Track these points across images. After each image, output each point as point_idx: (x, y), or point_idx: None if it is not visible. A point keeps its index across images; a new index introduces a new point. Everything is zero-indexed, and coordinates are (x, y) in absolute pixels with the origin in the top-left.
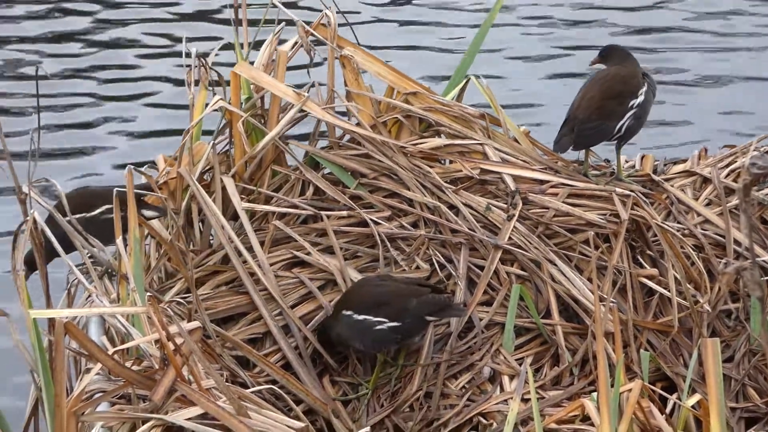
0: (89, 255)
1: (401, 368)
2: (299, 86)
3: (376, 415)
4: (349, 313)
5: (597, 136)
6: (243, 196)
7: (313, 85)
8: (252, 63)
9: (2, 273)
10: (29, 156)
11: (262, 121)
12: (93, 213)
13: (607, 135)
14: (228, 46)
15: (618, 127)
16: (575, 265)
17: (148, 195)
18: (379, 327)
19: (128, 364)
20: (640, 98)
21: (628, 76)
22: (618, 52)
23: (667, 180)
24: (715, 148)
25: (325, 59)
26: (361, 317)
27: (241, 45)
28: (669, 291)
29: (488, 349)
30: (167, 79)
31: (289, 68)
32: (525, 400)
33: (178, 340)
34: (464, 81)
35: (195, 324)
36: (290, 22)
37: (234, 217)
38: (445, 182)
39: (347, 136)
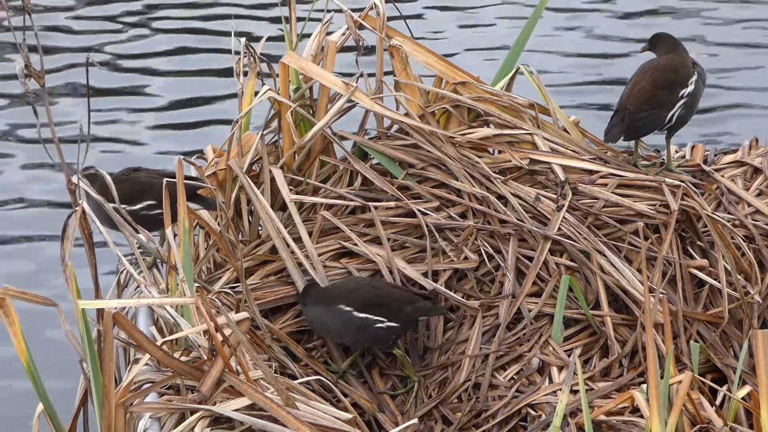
0: (138, 245)
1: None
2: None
3: (423, 406)
4: (348, 309)
5: (648, 126)
6: (291, 187)
7: (361, 75)
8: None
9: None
10: (78, 145)
11: (311, 112)
12: (134, 207)
13: (659, 125)
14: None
15: (669, 116)
16: (625, 256)
17: (200, 188)
18: (378, 326)
19: (176, 354)
20: (691, 87)
21: (678, 65)
22: (667, 40)
23: (717, 170)
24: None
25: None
26: (362, 315)
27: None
28: (719, 282)
29: (537, 341)
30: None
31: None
32: (574, 392)
33: (227, 331)
34: (513, 70)
35: (243, 315)
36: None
37: (282, 207)
38: (494, 172)
39: (395, 127)
